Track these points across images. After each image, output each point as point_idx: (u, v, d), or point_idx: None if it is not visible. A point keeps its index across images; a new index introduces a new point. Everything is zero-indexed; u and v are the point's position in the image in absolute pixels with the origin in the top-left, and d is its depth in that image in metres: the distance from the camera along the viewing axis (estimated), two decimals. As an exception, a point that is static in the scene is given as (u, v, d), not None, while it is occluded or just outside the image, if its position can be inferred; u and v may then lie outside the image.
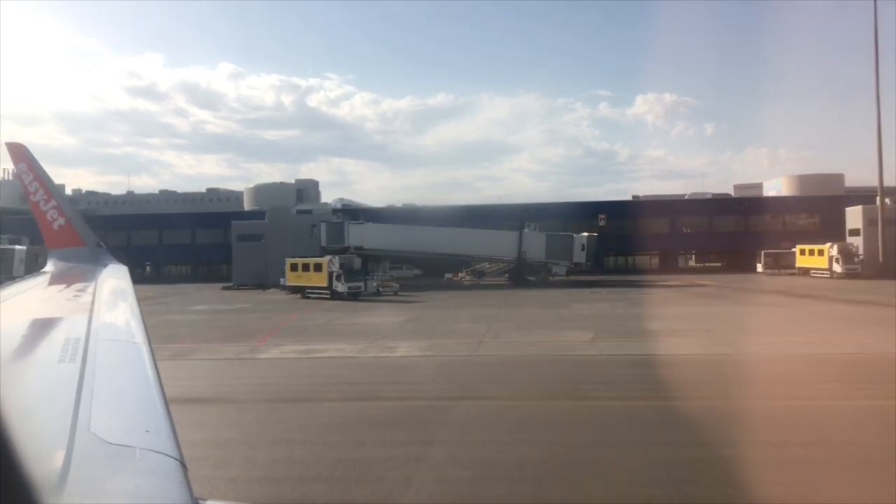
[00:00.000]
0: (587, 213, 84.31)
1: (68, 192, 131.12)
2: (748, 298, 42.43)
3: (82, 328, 3.87)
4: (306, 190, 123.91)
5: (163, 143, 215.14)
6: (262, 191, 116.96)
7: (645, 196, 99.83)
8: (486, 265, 65.98)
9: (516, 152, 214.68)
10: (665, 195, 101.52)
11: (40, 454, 1.88)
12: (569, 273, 62.80)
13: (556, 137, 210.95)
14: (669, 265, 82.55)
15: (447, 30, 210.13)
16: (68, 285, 6.53)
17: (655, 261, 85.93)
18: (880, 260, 60.95)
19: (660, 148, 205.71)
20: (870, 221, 63.14)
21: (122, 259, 8.24)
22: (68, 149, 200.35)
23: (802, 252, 65.01)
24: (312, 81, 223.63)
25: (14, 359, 3.46)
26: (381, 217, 73.12)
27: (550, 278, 62.06)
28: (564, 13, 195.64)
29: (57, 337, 3.96)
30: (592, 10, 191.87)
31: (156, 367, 3.03)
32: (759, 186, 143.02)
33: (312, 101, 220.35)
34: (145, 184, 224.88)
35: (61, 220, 8.35)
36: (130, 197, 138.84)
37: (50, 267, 7.82)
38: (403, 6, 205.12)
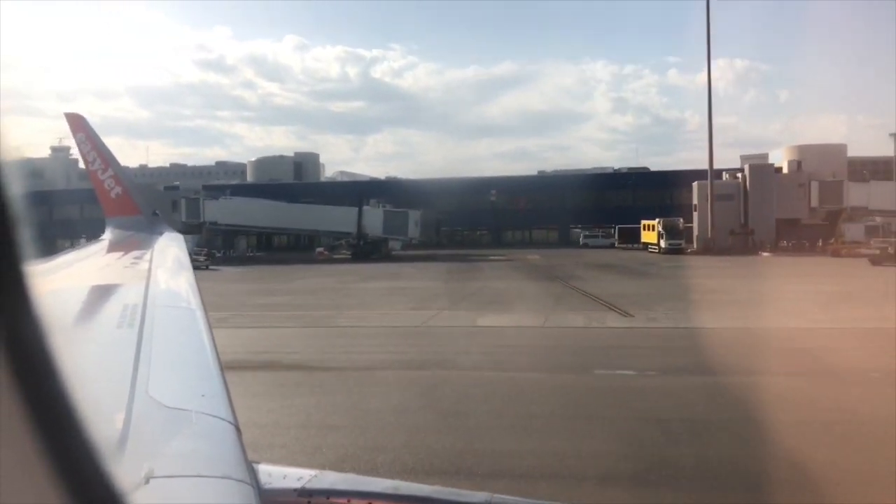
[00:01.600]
0: (482, 188, 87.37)
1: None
2: (495, 274, 44.14)
3: (140, 294, 3.96)
4: (305, 163, 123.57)
5: (233, 116, 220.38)
6: (262, 164, 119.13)
7: (554, 171, 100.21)
8: (345, 240, 68.92)
9: (584, 121, 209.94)
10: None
11: (101, 417, 1.90)
12: (405, 247, 65.44)
13: (625, 105, 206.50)
14: (562, 239, 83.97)
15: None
16: (126, 253, 6.60)
17: (554, 234, 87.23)
18: (709, 235, 61.52)
19: (731, 115, 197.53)
20: (705, 197, 63.35)
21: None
22: (142, 122, 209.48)
23: (644, 228, 65.85)
24: (376, 52, 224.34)
25: (75, 324, 3.54)
26: (254, 193, 76.51)
27: (392, 253, 64.80)
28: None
29: (115, 303, 4.05)
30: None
31: (211, 333, 3.09)
32: (766, 156, 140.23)
33: (376, 72, 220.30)
34: (217, 155, 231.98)
35: (118, 189, 8.48)
36: (143, 170, 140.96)
37: (108, 235, 7.92)
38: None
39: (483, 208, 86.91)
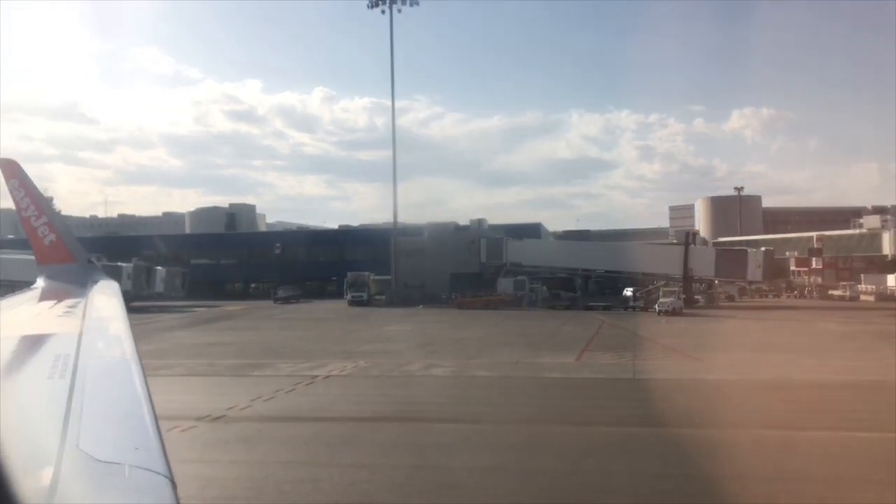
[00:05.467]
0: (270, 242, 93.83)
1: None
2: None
3: (72, 345, 3.84)
4: (240, 214, 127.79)
5: (265, 165, 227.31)
6: (198, 215, 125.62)
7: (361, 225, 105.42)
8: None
9: (611, 169, 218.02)
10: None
11: (29, 471, 1.87)
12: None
13: (651, 153, 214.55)
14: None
15: (533, 49, 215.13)
16: (59, 301, 6.37)
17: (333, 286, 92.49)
18: (393, 288, 67.96)
19: (760, 163, 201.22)
20: (400, 253, 69.73)
21: None
22: (177, 171, 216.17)
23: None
24: (402, 103, 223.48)
25: (4, 375, 3.43)
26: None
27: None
28: (649, 30, 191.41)
29: (47, 353, 3.91)
30: (679, 27, 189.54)
31: (145, 384, 3.02)
32: (691, 207, 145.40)
33: (403, 122, 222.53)
34: (250, 202, 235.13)
35: (52, 237, 8.23)
36: (93, 220, 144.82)
37: (40, 283, 7.63)
38: (490, 29, 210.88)
39: (268, 261, 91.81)
